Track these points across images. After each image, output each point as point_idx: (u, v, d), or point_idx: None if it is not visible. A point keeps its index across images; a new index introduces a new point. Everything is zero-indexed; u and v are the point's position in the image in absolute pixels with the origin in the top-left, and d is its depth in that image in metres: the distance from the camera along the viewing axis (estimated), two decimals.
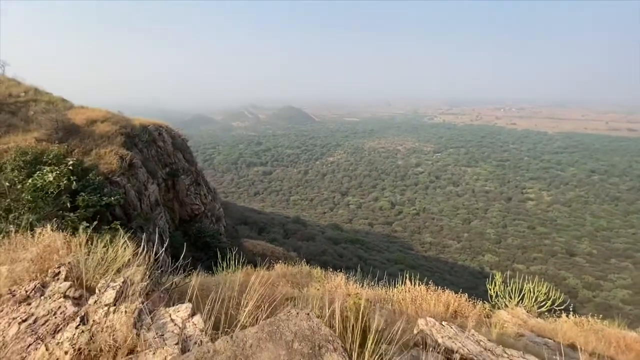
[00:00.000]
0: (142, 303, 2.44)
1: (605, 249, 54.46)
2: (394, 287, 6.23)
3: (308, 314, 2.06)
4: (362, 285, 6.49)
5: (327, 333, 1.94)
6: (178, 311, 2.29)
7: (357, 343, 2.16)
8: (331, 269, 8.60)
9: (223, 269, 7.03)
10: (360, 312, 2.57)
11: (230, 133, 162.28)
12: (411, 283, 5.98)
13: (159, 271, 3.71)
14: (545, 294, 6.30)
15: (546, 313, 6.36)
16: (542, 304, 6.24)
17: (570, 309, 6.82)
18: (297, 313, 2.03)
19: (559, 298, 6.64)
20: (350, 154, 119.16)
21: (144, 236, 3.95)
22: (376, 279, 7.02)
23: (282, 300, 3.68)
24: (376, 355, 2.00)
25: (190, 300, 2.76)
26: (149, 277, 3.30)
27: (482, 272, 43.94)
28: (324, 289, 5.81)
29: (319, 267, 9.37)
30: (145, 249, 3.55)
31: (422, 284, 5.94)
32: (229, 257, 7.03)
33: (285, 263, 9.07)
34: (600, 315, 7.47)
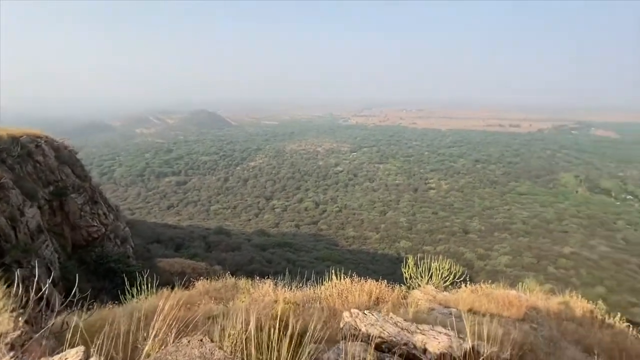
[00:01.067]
0: (14, 359, 1.95)
1: (490, 224, 65.78)
2: (322, 284, 6.38)
3: (201, 340, 1.93)
4: (291, 289, 6.48)
5: (221, 357, 1.86)
6: (66, 358, 1.90)
7: (285, 348, 2.12)
8: (259, 277, 8.37)
9: (133, 296, 6.22)
10: (286, 317, 2.53)
11: (132, 141, 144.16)
12: (337, 278, 6.21)
13: (44, 312, 3.06)
14: (447, 269, 7.26)
15: (450, 286, 7.35)
16: (446, 279, 7.18)
17: (468, 279, 8.01)
18: (189, 341, 1.89)
19: (459, 271, 7.73)
20: (272, 157, 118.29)
21: (18, 272, 3.20)
22: (305, 279, 7.09)
23: (204, 320, 3.40)
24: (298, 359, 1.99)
25: (85, 341, 2.32)
26: (26, 322, 2.69)
27: (399, 258, 48.47)
28: (251, 299, 5.60)
29: (245, 277, 9.01)
30: (22, 288, 2.88)
31: (347, 277, 6.23)
32: (140, 282, 6.25)
33: (208, 279, 8.46)
34: (490, 281, 8.93)
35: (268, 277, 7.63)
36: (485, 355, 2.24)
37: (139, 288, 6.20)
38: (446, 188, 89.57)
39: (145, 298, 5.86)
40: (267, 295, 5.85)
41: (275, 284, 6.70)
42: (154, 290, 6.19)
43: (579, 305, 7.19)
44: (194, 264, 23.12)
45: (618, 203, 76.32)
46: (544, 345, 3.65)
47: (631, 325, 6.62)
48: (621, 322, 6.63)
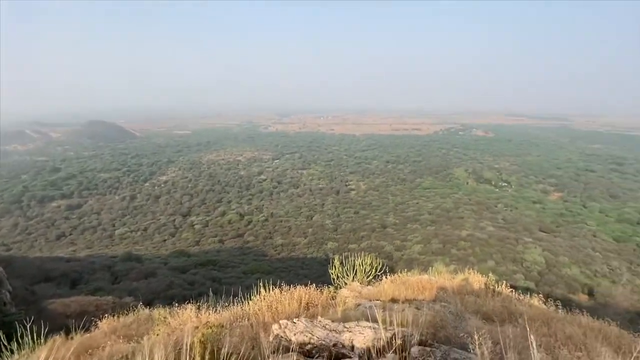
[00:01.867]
0: None
1: (403, 218, 72.85)
2: (250, 299, 6.12)
3: None
4: (217, 310, 6.04)
5: None
6: None
7: None
8: (180, 303, 7.60)
9: (13, 352, 5.01)
10: (210, 343, 2.33)
11: (4, 160, 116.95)
12: (266, 290, 6.03)
13: None
14: (369, 264, 7.76)
15: (373, 279, 7.86)
16: (369, 274, 7.65)
17: (388, 271, 8.68)
18: None
19: (379, 264, 8.32)
20: (186, 169, 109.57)
21: None
22: (232, 296, 6.70)
23: None
24: None
25: None
26: None
27: (327, 259, 49.89)
28: (170, 329, 5.03)
29: (163, 306, 8.08)
30: None
31: (276, 287, 6.10)
32: (22, 333, 5.05)
33: (115, 315, 7.30)
34: (407, 269, 9.83)
35: (190, 302, 6.98)
36: (403, 339, 2.44)
37: (19, 341, 5.00)
38: (364, 188, 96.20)
39: (31, 352, 4.77)
40: (189, 321, 5.34)
41: (199, 308, 6.17)
42: (42, 340, 5.07)
43: (476, 279, 8.47)
44: (98, 300, 19.78)
45: (497, 190, 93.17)
46: (452, 320, 4.17)
47: (514, 290, 8.07)
48: (506, 288, 8.03)
